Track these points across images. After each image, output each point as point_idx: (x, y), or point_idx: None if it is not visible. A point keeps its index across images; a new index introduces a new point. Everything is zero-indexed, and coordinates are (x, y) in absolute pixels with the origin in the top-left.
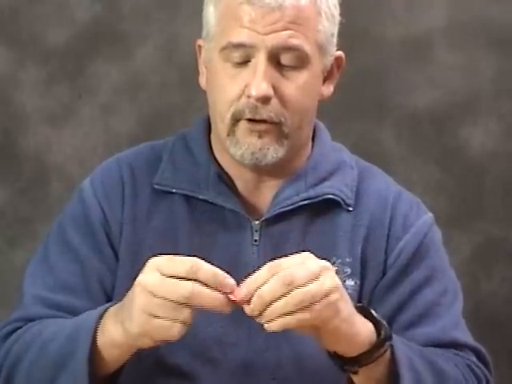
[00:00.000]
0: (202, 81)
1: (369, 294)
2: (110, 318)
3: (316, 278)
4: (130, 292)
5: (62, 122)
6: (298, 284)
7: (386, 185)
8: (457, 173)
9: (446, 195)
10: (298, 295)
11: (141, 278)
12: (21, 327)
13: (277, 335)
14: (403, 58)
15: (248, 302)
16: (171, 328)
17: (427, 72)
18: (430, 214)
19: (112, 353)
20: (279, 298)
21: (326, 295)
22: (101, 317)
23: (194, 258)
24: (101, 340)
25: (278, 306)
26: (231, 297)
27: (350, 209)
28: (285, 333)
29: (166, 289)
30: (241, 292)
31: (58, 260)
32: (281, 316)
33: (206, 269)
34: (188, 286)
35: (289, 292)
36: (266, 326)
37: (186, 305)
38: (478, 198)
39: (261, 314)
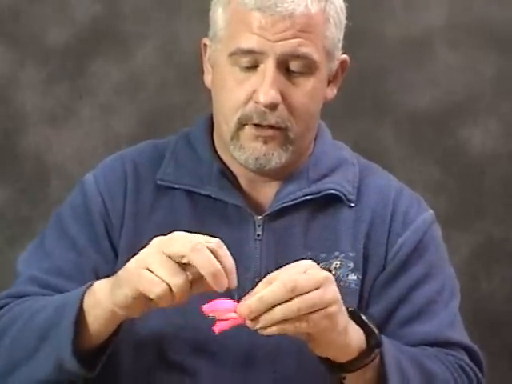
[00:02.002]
0: (207, 79)
1: (369, 288)
2: (101, 281)
3: (318, 287)
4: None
5: (62, 122)
6: (300, 291)
7: (387, 181)
8: (457, 173)
9: (446, 195)
10: (299, 302)
11: (158, 238)
12: (11, 303)
13: None
14: (403, 58)
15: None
16: (157, 285)
17: (427, 72)
18: (431, 211)
19: (96, 316)
20: (279, 303)
21: (326, 306)
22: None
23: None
24: (86, 302)
25: (278, 311)
26: (232, 314)
27: (352, 204)
28: None
29: (177, 245)
30: (242, 307)
31: (55, 247)
32: (278, 322)
33: (214, 240)
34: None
35: (290, 299)
36: (260, 331)
37: (184, 270)
38: (477, 197)
39: (256, 318)
